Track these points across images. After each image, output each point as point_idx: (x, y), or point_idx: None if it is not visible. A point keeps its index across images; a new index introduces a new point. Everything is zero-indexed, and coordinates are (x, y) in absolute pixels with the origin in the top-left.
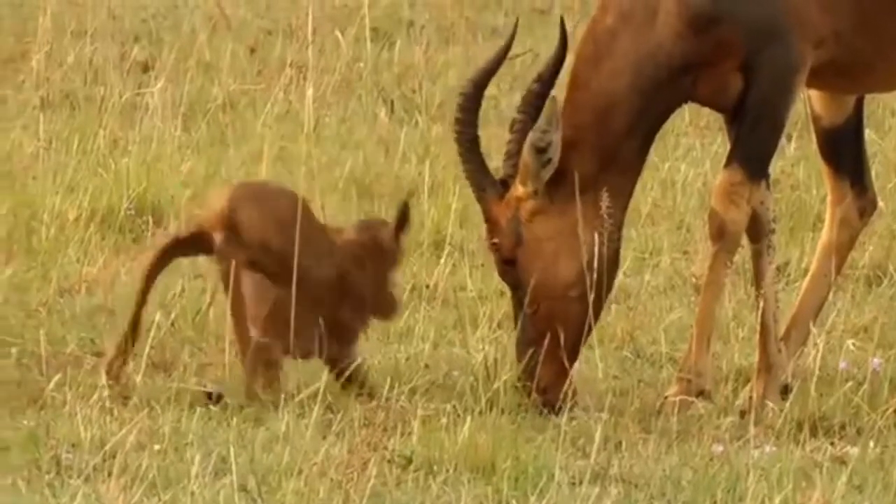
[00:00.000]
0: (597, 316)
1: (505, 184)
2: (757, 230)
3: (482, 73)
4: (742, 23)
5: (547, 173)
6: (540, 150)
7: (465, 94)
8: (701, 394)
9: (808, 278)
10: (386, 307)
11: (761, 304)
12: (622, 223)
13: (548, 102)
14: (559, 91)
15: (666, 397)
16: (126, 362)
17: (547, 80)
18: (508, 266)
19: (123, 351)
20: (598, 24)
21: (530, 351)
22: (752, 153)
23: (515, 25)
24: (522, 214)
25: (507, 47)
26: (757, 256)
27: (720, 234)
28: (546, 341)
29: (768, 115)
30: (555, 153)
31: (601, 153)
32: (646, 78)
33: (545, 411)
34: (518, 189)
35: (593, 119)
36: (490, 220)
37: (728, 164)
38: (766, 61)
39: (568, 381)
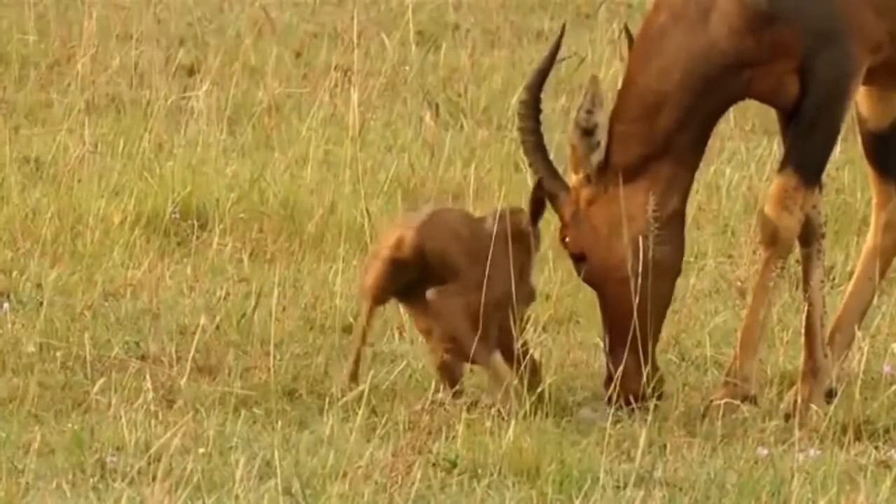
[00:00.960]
0: (666, 304)
1: None
2: (808, 234)
3: (535, 77)
4: (799, 22)
5: (597, 157)
6: (586, 132)
7: (523, 101)
8: (746, 399)
9: (852, 282)
10: (528, 295)
11: (808, 307)
12: (683, 213)
13: (589, 81)
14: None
15: (711, 401)
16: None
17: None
18: (580, 262)
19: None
20: (651, 23)
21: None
22: (806, 158)
23: (563, 29)
24: (581, 205)
25: (556, 50)
26: (807, 260)
27: (772, 241)
28: (619, 333)
29: (824, 121)
30: (602, 134)
31: (652, 147)
32: (697, 75)
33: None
34: (572, 178)
35: (642, 114)
36: (563, 222)
37: (782, 169)
38: (822, 65)
39: (646, 373)
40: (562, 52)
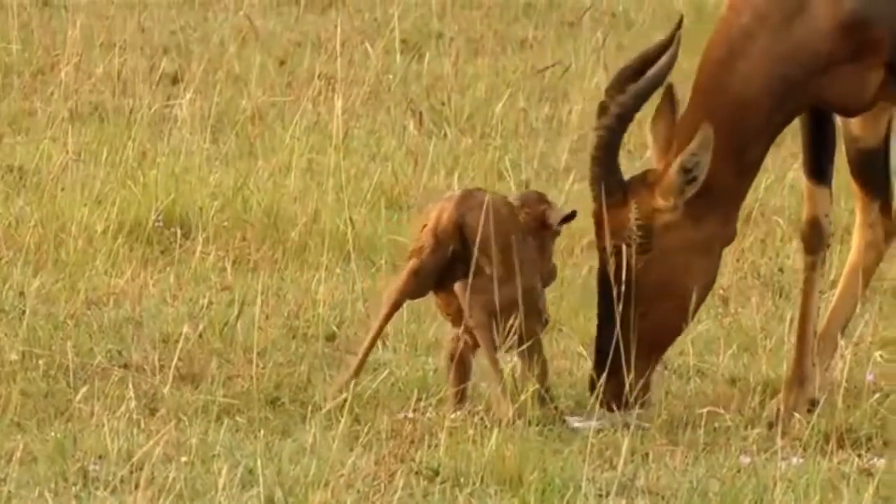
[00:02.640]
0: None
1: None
2: (816, 242)
3: (645, 85)
4: (891, 22)
5: (690, 191)
6: (687, 170)
7: (622, 103)
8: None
9: (836, 294)
10: (551, 275)
11: (803, 316)
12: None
13: (702, 127)
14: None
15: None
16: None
17: (642, 68)
18: (623, 269)
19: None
20: (730, 25)
21: (616, 349)
22: None
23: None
24: (657, 224)
25: (669, 44)
26: (810, 269)
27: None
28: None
29: None
30: (701, 173)
31: (732, 160)
32: (782, 79)
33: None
34: (658, 201)
35: (728, 123)
36: (615, 224)
37: None
38: None
39: (647, 385)
40: (545, 61)
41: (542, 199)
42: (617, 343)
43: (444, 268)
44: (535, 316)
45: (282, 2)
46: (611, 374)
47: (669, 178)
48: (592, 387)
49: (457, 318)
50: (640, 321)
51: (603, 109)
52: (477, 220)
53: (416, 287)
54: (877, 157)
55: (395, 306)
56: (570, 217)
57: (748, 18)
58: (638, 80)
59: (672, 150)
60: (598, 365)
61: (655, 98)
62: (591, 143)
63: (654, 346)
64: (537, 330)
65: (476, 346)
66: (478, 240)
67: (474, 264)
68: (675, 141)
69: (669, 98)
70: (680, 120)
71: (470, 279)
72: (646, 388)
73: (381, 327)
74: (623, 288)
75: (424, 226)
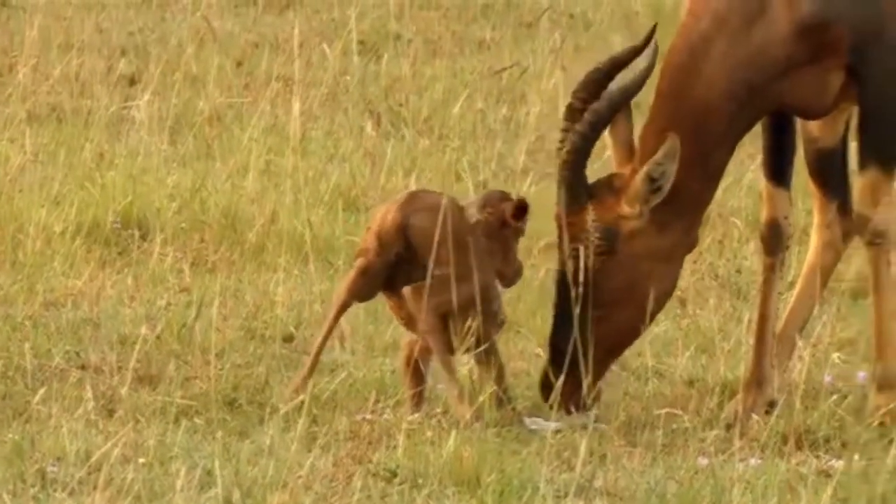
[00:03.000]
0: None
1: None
2: (775, 244)
3: (621, 94)
4: (849, 24)
5: (655, 200)
6: (653, 179)
7: (596, 109)
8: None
9: (794, 295)
10: (517, 274)
11: (762, 317)
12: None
13: (669, 138)
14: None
15: (882, 413)
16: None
17: (611, 72)
18: (584, 273)
19: (306, 377)
20: (691, 31)
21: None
22: (882, 150)
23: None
24: (621, 230)
25: (640, 50)
26: (769, 270)
27: (874, 236)
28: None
29: (888, 109)
30: (666, 182)
31: (696, 166)
32: (743, 84)
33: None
34: (623, 208)
35: (691, 129)
36: (579, 228)
37: (862, 167)
38: (874, 57)
39: (598, 387)
40: (503, 62)
41: (504, 197)
42: (574, 345)
43: (391, 270)
44: (491, 317)
45: (239, 3)
46: (567, 376)
47: (635, 186)
48: (543, 390)
49: (409, 321)
50: (598, 324)
51: (570, 111)
52: (421, 221)
53: (363, 288)
54: (835, 157)
55: (344, 306)
56: (523, 207)
57: (708, 24)
58: (607, 83)
59: (637, 156)
60: (555, 367)
61: None
62: (563, 146)
63: (611, 349)
64: (493, 332)
65: (431, 349)
66: (432, 242)
67: (424, 267)
68: (639, 147)
69: None
70: (644, 126)
71: (427, 281)
72: (599, 389)
73: (331, 327)
74: (583, 290)
75: (369, 228)
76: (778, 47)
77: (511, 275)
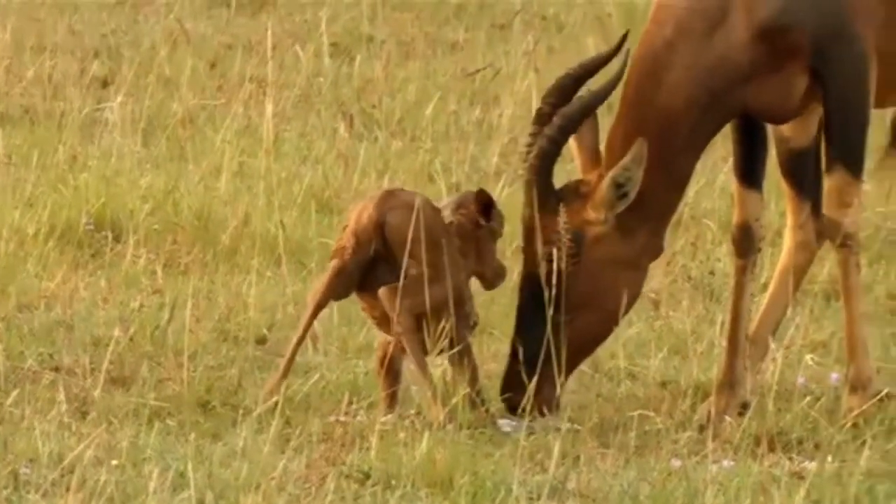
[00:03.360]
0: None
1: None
2: (747, 246)
3: (592, 99)
4: (809, 26)
5: (622, 206)
6: (619, 185)
7: (566, 114)
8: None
9: (767, 296)
10: (497, 275)
11: (734, 320)
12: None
13: (636, 143)
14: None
15: (854, 414)
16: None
17: (581, 77)
18: (551, 277)
19: (282, 378)
20: (654, 38)
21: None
22: (849, 152)
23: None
24: (587, 235)
25: (612, 55)
26: (740, 273)
27: (843, 239)
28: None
29: (852, 110)
30: (633, 188)
31: (662, 172)
32: (707, 90)
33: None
34: (589, 213)
35: (656, 135)
36: (546, 231)
37: (829, 169)
38: (837, 57)
39: (560, 391)
40: (476, 64)
41: (471, 198)
42: (539, 348)
43: (367, 269)
44: (463, 319)
45: (212, 5)
46: (530, 379)
47: (601, 192)
48: (505, 393)
49: (383, 321)
50: (564, 328)
51: (540, 115)
52: (397, 219)
53: (339, 287)
54: (807, 157)
55: (319, 307)
56: (485, 201)
57: (671, 31)
58: (577, 88)
59: (603, 162)
60: (516, 371)
61: None
62: (532, 150)
63: (576, 352)
64: (465, 333)
65: (405, 350)
66: (408, 240)
67: (401, 266)
68: (606, 153)
69: None
70: (610, 132)
71: (401, 281)
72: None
73: (307, 328)
74: (551, 293)
75: (345, 227)
76: (740, 53)
77: (491, 276)
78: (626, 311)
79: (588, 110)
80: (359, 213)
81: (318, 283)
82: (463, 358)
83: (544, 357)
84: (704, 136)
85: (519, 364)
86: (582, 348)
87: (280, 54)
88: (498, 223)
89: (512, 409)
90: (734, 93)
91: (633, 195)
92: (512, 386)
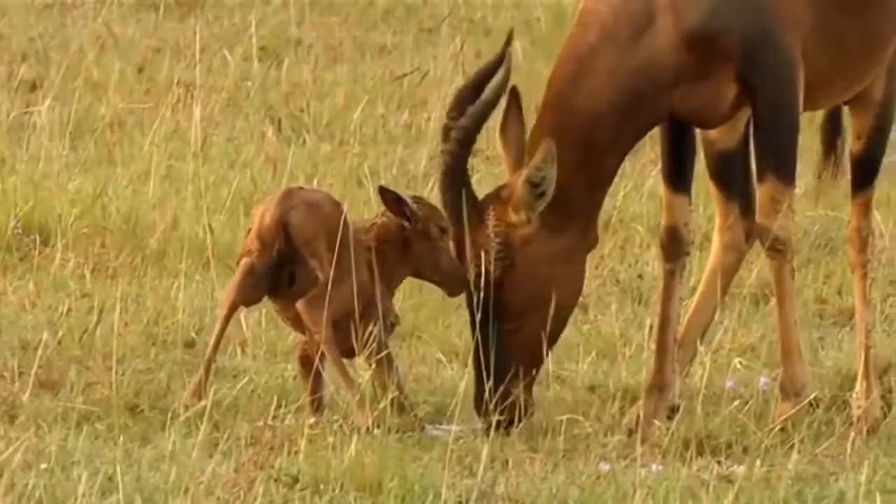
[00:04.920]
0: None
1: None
2: (675, 250)
3: (481, 107)
4: (737, 34)
5: (540, 205)
6: (534, 185)
7: (463, 127)
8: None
9: (695, 299)
10: (453, 280)
11: (662, 323)
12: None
13: (544, 142)
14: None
15: (784, 419)
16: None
17: (479, 86)
18: (494, 288)
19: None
20: (577, 42)
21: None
22: (780, 160)
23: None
24: (515, 239)
25: (500, 61)
26: (669, 276)
27: (778, 248)
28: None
29: (783, 117)
30: (549, 187)
31: (584, 173)
32: (630, 94)
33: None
34: (511, 216)
35: (577, 137)
36: (476, 244)
37: (761, 178)
38: (764, 68)
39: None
40: (404, 67)
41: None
42: (499, 357)
43: (275, 269)
44: (379, 321)
45: (140, 8)
46: (497, 387)
47: (518, 193)
48: (478, 406)
49: (296, 322)
50: (518, 335)
51: (445, 132)
52: (299, 218)
53: (249, 290)
54: (735, 159)
55: (233, 308)
56: (389, 200)
57: (595, 35)
58: (475, 99)
59: (525, 163)
60: (481, 382)
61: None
62: (437, 169)
63: (535, 356)
64: (384, 336)
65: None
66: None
67: (308, 266)
68: (528, 155)
69: (515, 103)
70: (530, 135)
71: (320, 290)
72: (530, 397)
73: (222, 331)
74: (496, 303)
75: (250, 229)
76: (666, 57)
77: (444, 281)
78: (574, 305)
79: (480, 118)
80: (261, 214)
81: (229, 286)
82: (382, 361)
83: (505, 365)
84: (629, 138)
85: (488, 380)
86: (538, 351)
87: (208, 58)
88: (432, 223)
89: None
90: (660, 97)
91: (550, 193)
92: (482, 401)
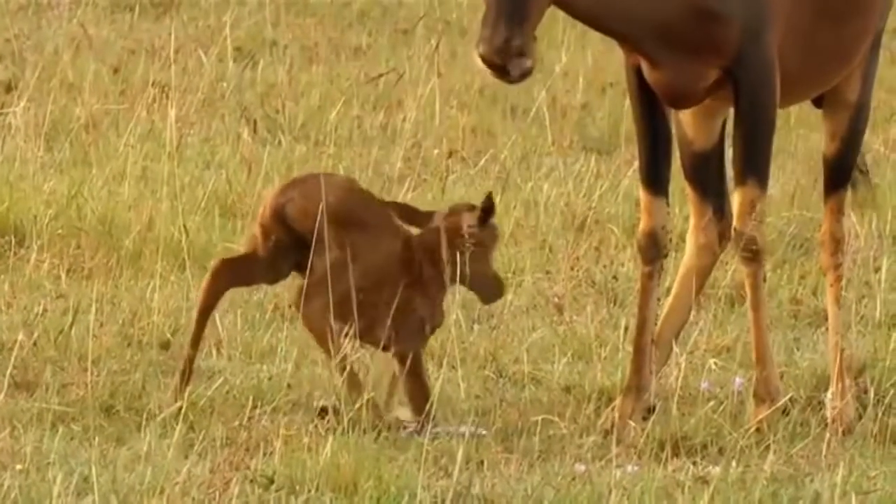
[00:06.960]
0: None
1: None
2: (653, 253)
3: None
4: (740, 21)
5: None
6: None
7: None
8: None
9: (670, 299)
10: (489, 289)
11: (641, 325)
12: None
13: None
14: None
15: (758, 422)
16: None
17: None
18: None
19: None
20: None
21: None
22: (758, 165)
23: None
24: None
25: None
26: (647, 279)
27: (754, 254)
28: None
29: (762, 116)
30: None
31: None
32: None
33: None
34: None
35: None
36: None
37: (742, 180)
38: (751, 61)
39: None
40: (379, 68)
41: (463, 208)
42: None
43: (276, 258)
44: (410, 323)
45: (116, 9)
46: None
47: None
48: None
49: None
50: None
51: None
52: (297, 207)
53: (245, 275)
54: (711, 160)
55: (219, 293)
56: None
57: None
58: None
59: None
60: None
61: None
62: None
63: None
64: (427, 330)
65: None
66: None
67: (314, 251)
68: None
69: None
70: None
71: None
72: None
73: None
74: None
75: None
76: (671, 16)
77: (481, 290)
78: None
79: None
80: (264, 204)
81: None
82: (405, 365)
83: None
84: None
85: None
86: None
87: (183, 59)
88: (487, 234)
89: None
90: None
91: None
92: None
